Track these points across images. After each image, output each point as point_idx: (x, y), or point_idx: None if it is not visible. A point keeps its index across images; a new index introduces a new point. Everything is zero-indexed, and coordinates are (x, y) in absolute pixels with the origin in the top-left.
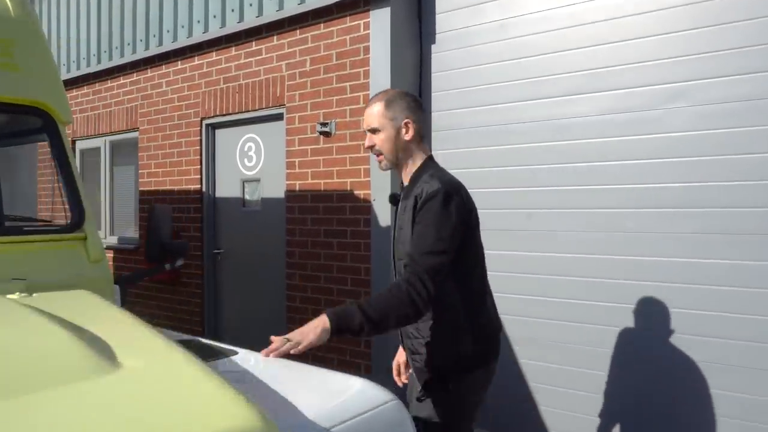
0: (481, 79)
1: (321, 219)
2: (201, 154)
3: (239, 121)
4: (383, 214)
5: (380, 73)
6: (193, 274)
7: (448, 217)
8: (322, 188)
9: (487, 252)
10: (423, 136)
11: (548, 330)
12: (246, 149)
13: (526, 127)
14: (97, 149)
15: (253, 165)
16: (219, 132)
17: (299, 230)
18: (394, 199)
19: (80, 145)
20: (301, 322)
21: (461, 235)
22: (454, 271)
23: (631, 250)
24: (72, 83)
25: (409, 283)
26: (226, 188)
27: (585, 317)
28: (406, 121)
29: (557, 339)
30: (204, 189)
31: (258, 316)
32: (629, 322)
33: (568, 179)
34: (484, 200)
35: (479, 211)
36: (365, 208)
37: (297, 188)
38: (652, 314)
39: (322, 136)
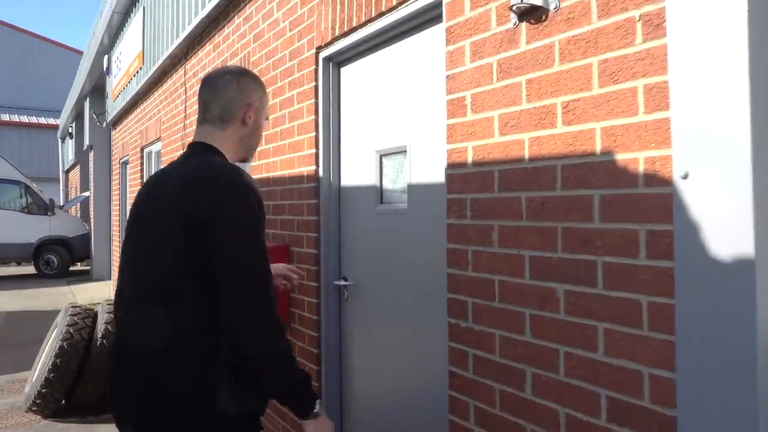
0: None
1: (520, 231)
2: (317, 112)
3: (369, 44)
4: (721, 220)
5: None
6: (305, 319)
7: None
8: (527, 156)
9: None
10: None
11: None
12: (382, 94)
13: None
14: None
15: (395, 122)
16: (345, 72)
17: (474, 256)
18: None
19: None
20: None
21: None
22: None
23: None
24: (199, 40)
25: None
26: (353, 170)
27: None
28: None
29: None
30: (321, 173)
31: (407, 401)
32: None
33: None
34: None
35: None
36: (660, 210)
37: (468, 161)
38: None
39: (524, 26)
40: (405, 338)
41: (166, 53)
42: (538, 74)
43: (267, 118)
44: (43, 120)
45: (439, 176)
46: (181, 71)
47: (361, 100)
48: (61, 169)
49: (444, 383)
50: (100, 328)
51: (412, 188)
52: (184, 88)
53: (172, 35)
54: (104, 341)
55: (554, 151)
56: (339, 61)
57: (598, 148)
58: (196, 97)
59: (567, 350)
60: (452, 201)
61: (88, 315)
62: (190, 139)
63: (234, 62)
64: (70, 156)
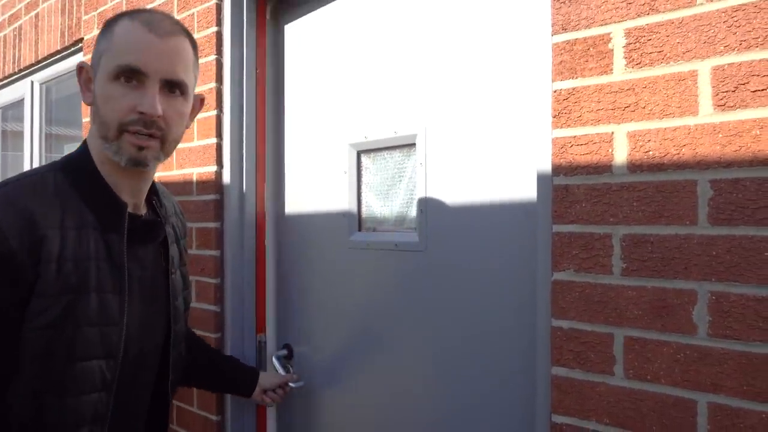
0: None
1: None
2: (219, 75)
3: None
4: None
5: None
6: (193, 419)
7: None
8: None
9: None
10: None
11: None
12: (360, 41)
13: None
14: (20, 101)
15: (391, 94)
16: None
17: (633, 349)
18: (143, 233)
19: (1, 97)
20: None
21: None
22: None
23: None
24: None
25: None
26: (300, 175)
27: None
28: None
29: None
30: (228, 178)
31: None
32: None
33: None
34: None
35: None
36: None
37: (617, 160)
38: None
39: None
40: None
41: None
42: None
43: (117, 77)
44: None
45: (498, 188)
46: None
47: (313, 55)
48: None
49: None
50: None
51: (430, 207)
52: None
53: None
54: None
55: None
56: None
57: None
58: None
59: None
60: (567, 238)
61: None
62: None
63: (54, 12)
64: None
